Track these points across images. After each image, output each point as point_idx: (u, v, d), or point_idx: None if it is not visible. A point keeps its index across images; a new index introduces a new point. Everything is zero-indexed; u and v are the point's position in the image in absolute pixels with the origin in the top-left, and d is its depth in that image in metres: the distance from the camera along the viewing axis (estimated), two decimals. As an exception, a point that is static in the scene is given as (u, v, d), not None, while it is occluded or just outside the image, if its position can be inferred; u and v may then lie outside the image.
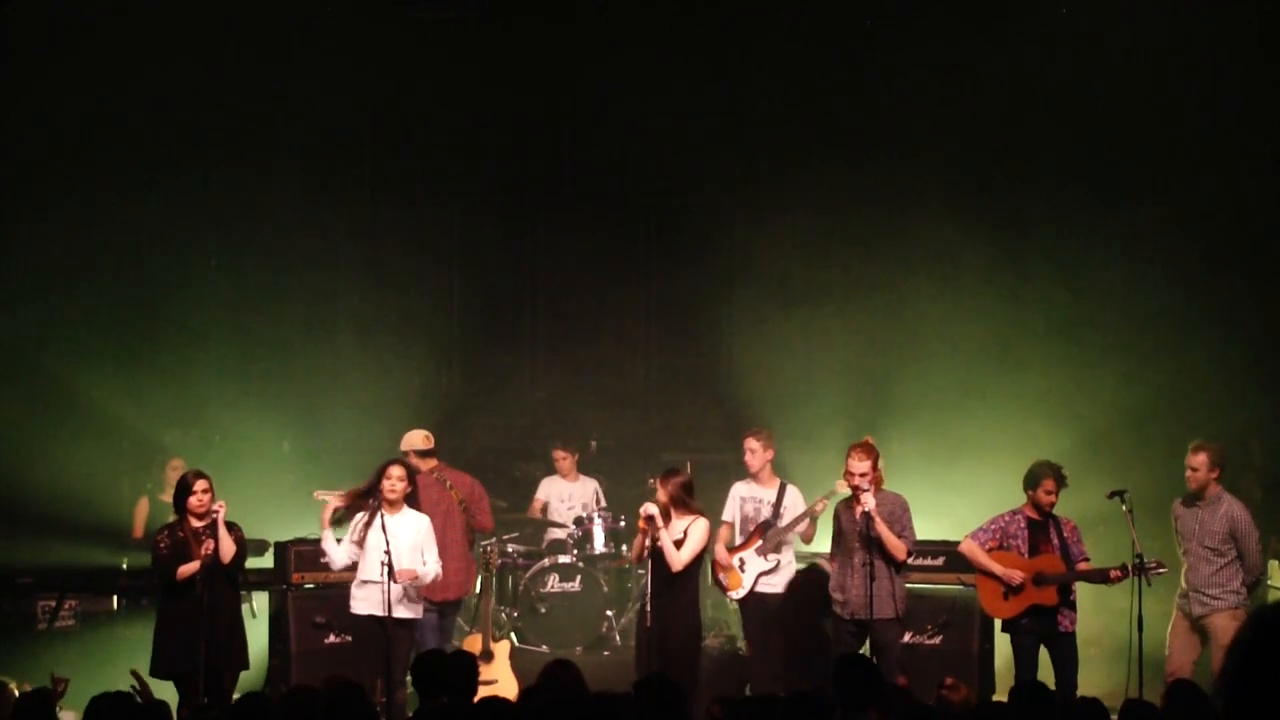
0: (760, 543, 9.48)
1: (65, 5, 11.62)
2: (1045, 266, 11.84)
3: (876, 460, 8.63)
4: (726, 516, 9.68)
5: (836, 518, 8.79)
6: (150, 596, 9.75)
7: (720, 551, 9.58)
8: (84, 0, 11.61)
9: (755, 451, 9.57)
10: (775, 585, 9.47)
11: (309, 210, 13.07)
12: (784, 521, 9.46)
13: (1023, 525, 8.71)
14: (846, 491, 8.78)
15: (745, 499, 9.67)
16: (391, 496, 8.62)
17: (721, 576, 9.61)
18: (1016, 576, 8.58)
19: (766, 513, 9.56)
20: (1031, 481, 8.72)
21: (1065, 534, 8.68)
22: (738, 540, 9.63)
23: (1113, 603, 9.14)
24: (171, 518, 8.80)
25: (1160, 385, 11.21)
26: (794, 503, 9.54)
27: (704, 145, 13.02)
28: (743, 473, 9.85)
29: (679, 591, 8.57)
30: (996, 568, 8.65)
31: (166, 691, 8.01)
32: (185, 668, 8.24)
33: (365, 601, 8.61)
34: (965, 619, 9.78)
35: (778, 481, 9.65)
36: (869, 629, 8.56)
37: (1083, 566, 8.64)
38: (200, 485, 8.48)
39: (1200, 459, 8.70)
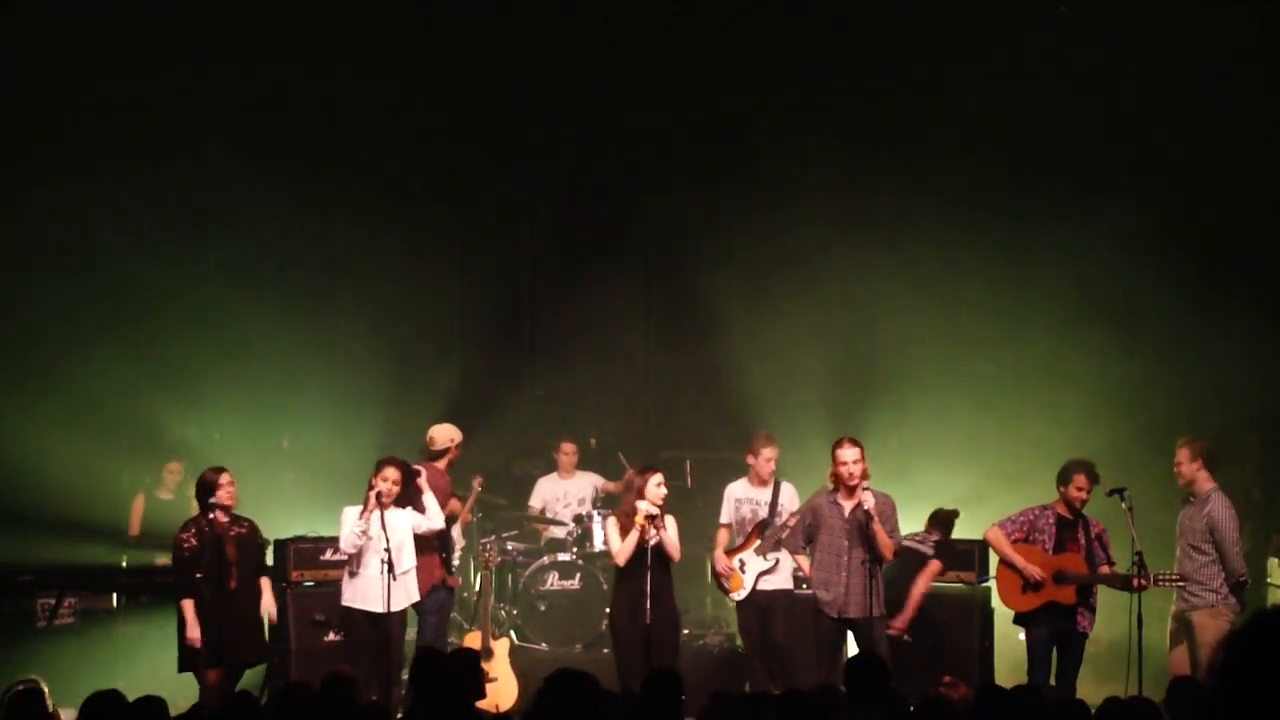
0: (759, 542, 9.48)
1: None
2: (1045, 262, 11.82)
3: (863, 453, 8.60)
4: (724, 519, 9.69)
5: (816, 513, 8.73)
6: (150, 595, 9.76)
7: (719, 556, 9.60)
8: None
9: (772, 460, 9.61)
10: (775, 583, 9.48)
11: (308, 209, 13.06)
12: (781, 519, 9.46)
13: (1051, 521, 8.68)
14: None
15: (741, 500, 9.67)
16: (385, 497, 8.66)
17: (723, 580, 9.61)
18: (1037, 572, 8.55)
19: (763, 513, 9.56)
20: (1064, 478, 8.70)
21: (1093, 536, 8.65)
22: (736, 541, 9.63)
23: (1113, 600, 9.13)
24: (194, 512, 8.81)
25: (1159, 383, 11.21)
26: (789, 500, 9.56)
27: (703, 143, 13.05)
28: (740, 472, 9.85)
29: (670, 587, 8.74)
30: (1019, 560, 8.62)
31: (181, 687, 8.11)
32: (214, 660, 8.36)
33: (359, 596, 8.67)
34: (965, 616, 9.76)
35: (772, 480, 9.65)
36: (854, 627, 8.53)
37: (1104, 570, 8.61)
38: (224, 479, 8.60)
39: (1183, 453, 8.77)
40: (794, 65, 12.70)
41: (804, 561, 8.95)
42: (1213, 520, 8.62)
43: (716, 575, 9.71)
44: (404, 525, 8.80)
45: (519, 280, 13.86)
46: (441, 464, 9.63)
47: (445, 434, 9.72)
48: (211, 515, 8.52)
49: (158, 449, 11.37)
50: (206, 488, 8.58)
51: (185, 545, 8.45)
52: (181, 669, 8.46)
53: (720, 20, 12.81)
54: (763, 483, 9.64)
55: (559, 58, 12.99)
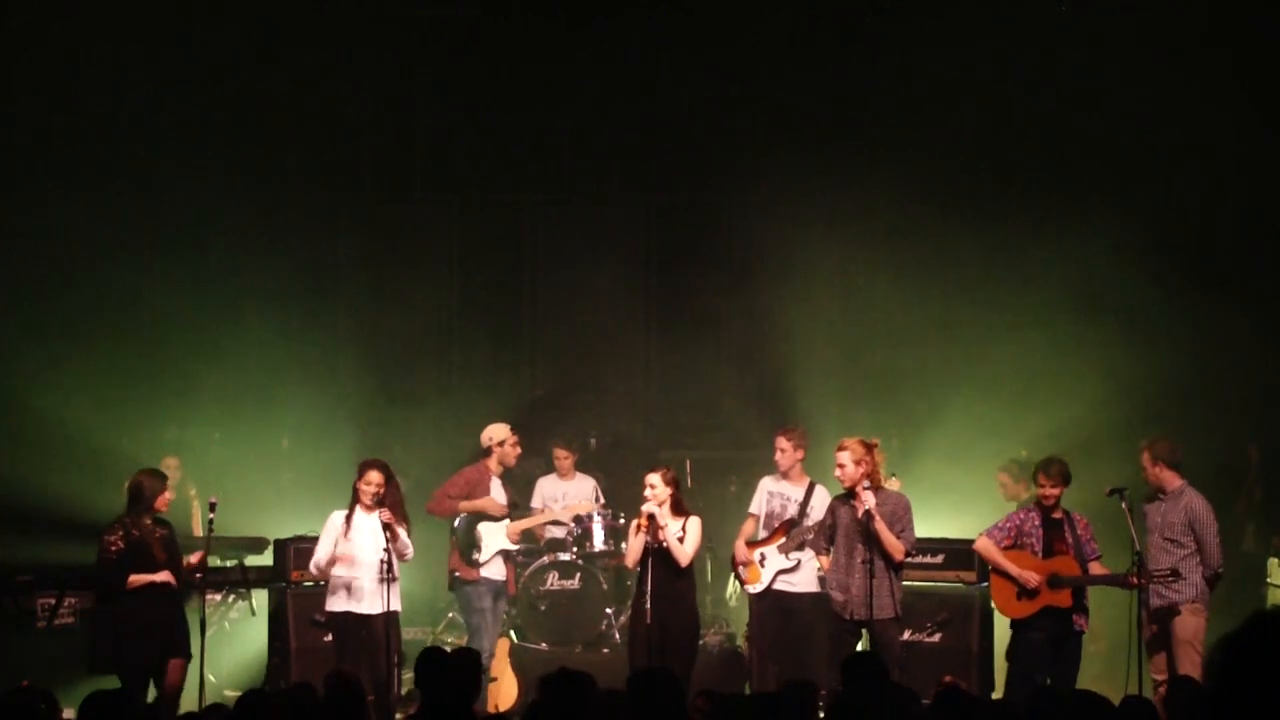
0: (783, 540, 9.42)
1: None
2: (1048, 263, 11.83)
3: (865, 456, 8.43)
4: (753, 509, 9.64)
5: (833, 514, 8.67)
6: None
7: (740, 545, 9.56)
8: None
9: (785, 450, 9.50)
10: (793, 584, 9.38)
11: (308, 208, 13.07)
12: (810, 521, 9.37)
13: (1037, 524, 8.60)
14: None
15: (773, 494, 9.60)
16: (366, 500, 8.64)
17: (741, 570, 9.57)
18: (1033, 579, 8.46)
19: (793, 511, 9.46)
20: (1033, 476, 8.71)
21: (1079, 532, 8.61)
22: (761, 534, 9.60)
23: (1112, 599, 9.14)
24: (194, 509, 8.76)
25: (1159, 381, 11.20)
26: (821, 503, 9.36)
27: (703, 141, 13.06)
28: (742, 469, 9.84)
29: (684, 590, 8.55)
30: (1013, 569, 8.53)
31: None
32: (147, 662, 8.27)
33: (350, 599, 8.65)
34: (964, 617, 9.77)
35: (807, 480, 9.55)
36: (869, 629, 8.52)
37: (1097, 569, 8.58)
38: (168, 485, 8.57)
39: (1144, 457, 8.78)
40: (795, 65, 12.71)
41: (826, 562, 8.89)
42: (1193, 513, 8.60)
43: (735, 563, 9.68)
44: (377, 534, 8.64)
45: (518, 280, 13.86)
46: (489, 462, 9.75)
47: (486, 433, 9.85)
48: (137, 518, 8.41)
49: (157, 448, 11.36)
50: (152, 493, 8.45)
51: (113, 547, 8.30)
52: (97, 670, 8.24)
53: (720, 19, 12.81)
54: (785, 476, 9.59)
55: (558, 57, 13.00)
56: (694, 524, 8.59)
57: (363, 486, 8.65)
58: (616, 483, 11.88)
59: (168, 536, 8.53)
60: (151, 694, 8.30)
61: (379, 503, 8.64)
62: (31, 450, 11.10)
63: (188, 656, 8.43)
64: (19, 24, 11.45)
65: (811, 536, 9.15)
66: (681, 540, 8.50)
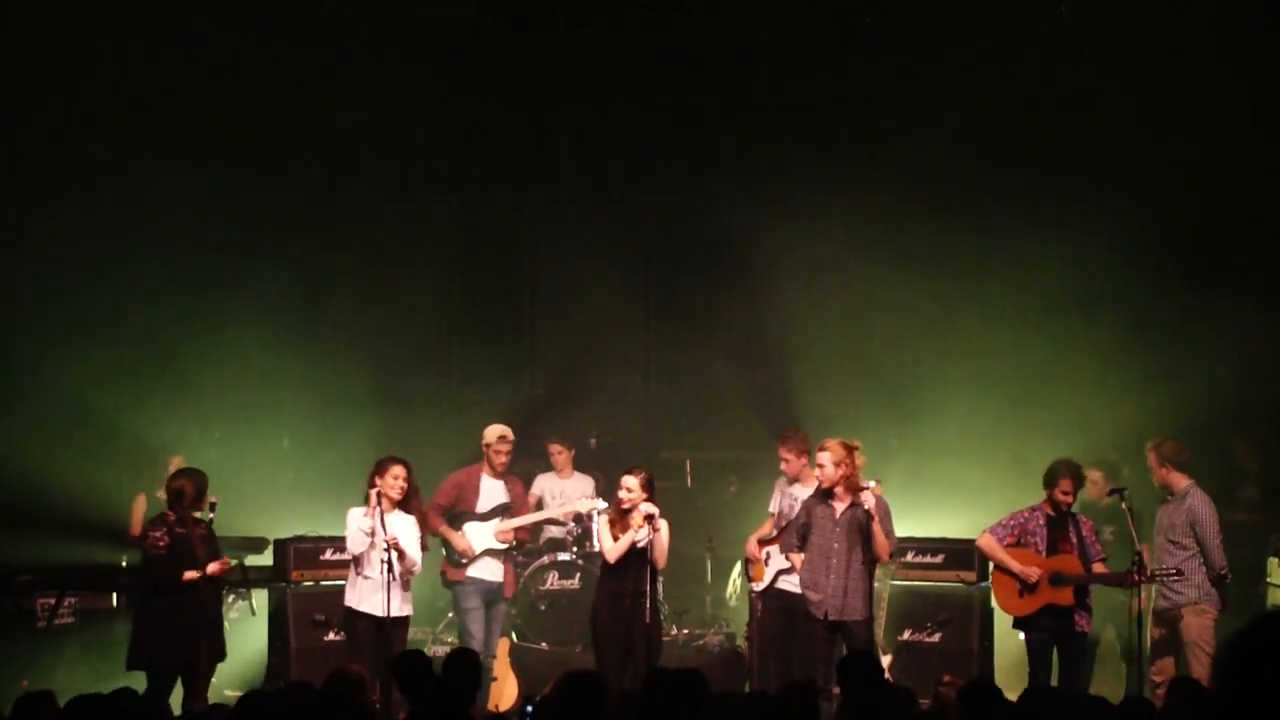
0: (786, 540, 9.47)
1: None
2: (1045, 264, 11.82)
3: (844, 458, 8.47)
4: (771, 508, 9.79)
5: (807, 513, 8.68)
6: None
7: (751, 542, 9.72)
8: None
9: (789, 460, 9.61)
10: (794, 584, 9.31)
11: (307, 208, 13.05)
12: None
13: (1041, 523, 8.66)
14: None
15: (785, 494, 9.71)
16: (394, 495, 8.63)
17: (749, 567, 9.74)
18: (1033, 575, 8.52)
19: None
20: (1049, 480, 8.69)
21: (1084, 533, 8.63)
22: (774, 534, 9.66)
23: (1113, 599, 9.14)
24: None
25: (1158, 382, 11.21)
26: None
27: (704, 141, 13.05)
28: (742, 469, 9.89)
29: (657, 587, 8.69)
30: (1014, 564, 8.60)
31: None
32: (177, 660, 8.30)
33: (363, 599, 8.67)
34: (964, 616, 9.77)
35: (810, 479, 9.59)
36: (844, 629, 8.50)
37: (1099, 568, 8.61)
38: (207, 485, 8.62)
39: (1150, 458, 8.87)
40: (795, 65, 12.70)
41: (798, 560, 8.92)
42: (1194, 514, 8.63)
43: (746, 560, 9.84)
44: (406, 531, 8.72)
45: (519, 280, 13.86)
46: (484, 463, 9.81)
47: (483, 433, 9.86)
48: (181, 515, 8.46)
49: (157, 449, 11.35)
50: (198, 494, 8.50)
51: (161, 543, 8.34)
52: (132, 667, 8.33)
53: (720, 19, 12.81)
54: (806, 480, 9.58)
55: (558, 57, 12.99)
56: (663, 526, 8.66)
57: (389, 481, 8.63)
58: (616, 483, 11.85)
59: (206, 535, 8.55)
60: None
61: (405, 499, 8.64)
62: (32, 450, 11.09)
63: (223, 657, 8.59)
64: (20, 24, 11.44)
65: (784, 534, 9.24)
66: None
